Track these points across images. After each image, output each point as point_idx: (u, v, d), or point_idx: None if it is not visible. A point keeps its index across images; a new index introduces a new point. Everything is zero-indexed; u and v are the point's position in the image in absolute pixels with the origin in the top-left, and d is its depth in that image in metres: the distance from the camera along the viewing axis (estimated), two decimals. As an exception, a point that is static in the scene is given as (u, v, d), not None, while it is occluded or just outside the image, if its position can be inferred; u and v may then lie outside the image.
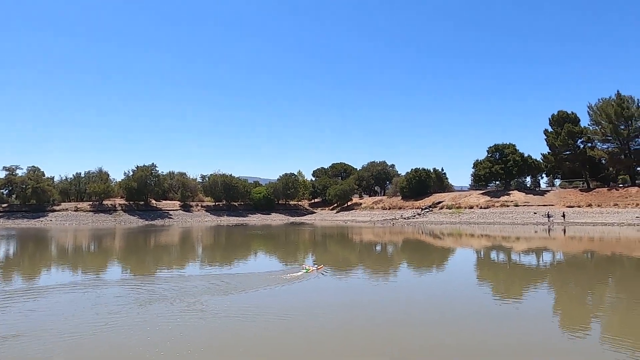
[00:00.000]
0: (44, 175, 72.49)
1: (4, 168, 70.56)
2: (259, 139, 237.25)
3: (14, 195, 70.81)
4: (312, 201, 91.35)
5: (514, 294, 11.56)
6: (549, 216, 50.63)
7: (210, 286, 11.82)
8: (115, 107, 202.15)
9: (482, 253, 23.47)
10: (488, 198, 63.02)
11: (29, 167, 71.75)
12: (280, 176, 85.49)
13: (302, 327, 8.09)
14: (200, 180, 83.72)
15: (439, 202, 66.82)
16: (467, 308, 9.61)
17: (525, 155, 66.34)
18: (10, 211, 65.89)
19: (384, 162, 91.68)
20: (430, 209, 65.69)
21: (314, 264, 15.74)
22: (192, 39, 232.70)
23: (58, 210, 67.63)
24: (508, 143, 67.91)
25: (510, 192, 64.01)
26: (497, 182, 72.19)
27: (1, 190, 70.93)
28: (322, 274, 13.90)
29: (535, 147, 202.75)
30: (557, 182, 75.68)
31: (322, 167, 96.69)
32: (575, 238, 31.95)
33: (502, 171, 65.48)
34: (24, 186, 67.74)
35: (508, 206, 58.53)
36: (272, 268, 16.13)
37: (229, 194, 79.54)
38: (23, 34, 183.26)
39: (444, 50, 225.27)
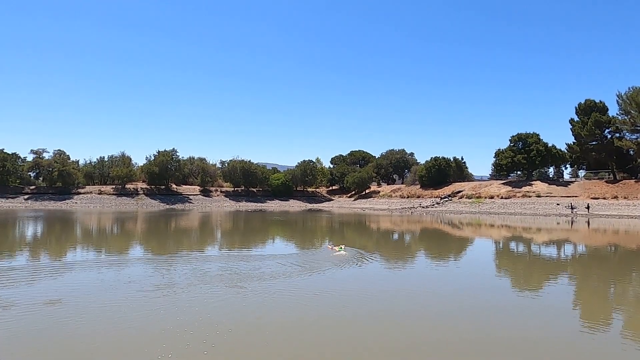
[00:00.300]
0: (69, 159, 74.55)
1: (32, 151, 72.87)
2: (278, 126, 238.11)
3: (41, 178, 73.12)
4: (330, 188, 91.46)
5: (534, 287, 11.45)
6: (572, 208, 49.53)
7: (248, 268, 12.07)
8: (138, 93, 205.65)
9: (501, 244, 23.20)
10: (509, 188, 61.95)
11: (55, 150, 73.92)
12: (298, 163, 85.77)
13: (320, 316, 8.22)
14: (220, 166, 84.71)
15: (459, 192, 66.07)
16: (485, 300, 9.59)
17: (549, 145, 64.68)
18: (38, 193, 68.10)
19: (403, 150, 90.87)
20: (450, 198, 65.01)
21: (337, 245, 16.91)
22: (213, 27, 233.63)
23: (83, 193, 69.59)
24: (532, 132, 66.30)
25: (533, 182, 62.73)
26: (518, 172, 70.79)
27: (29, 173, 73.31)
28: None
29: (559, 137, 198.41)
30: (582, 173, 73.67)
31: (341, 155, 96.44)
32: (599, 230, 31.23)
33: (524, 161, 64.10)
34: (51, 169, 69.83)
35: (530, 197, 57.45)
36: (294, 250, 16.34)
37: (247, 180, 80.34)
38: (50, 20, 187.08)
39: (468, 39, 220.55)
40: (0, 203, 60.73)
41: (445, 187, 69.82)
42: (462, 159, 78.23)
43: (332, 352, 6.20)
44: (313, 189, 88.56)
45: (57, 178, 69.33)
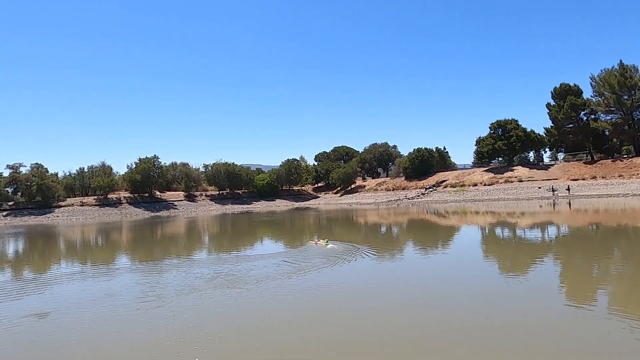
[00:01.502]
0: (47, 172, 72.73)
1: (8, 166, 70.81)
2: (260, 127, 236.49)
3: (19, 193, 71.20)
4: (316, 186, 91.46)
5: (520, 270, 11.64)
6: (553, 190, 50.56)
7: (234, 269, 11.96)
8: (115, 101, 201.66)
9: (487, 230, 23.55)
10: (492, 175, 62.91)
11: (33, 164, 71.95)
12: (282, 162, 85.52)
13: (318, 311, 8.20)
14: (203, 170, 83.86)
15: (443, 181, 66.79)
16: (473, 286, 9.71)
17: (528, 130, 65.90)
18: (17, 209, 66.36)
19: (386, 143, 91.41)
20: (434, 188, 65.68)
21: (323, 240, 17.62)
22: (187, 32, 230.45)
23: (64, 206, 68.07)
24: (510, 119, 67.42)
25: (514, 167, 63.83)
26: (500, 159, 71.96)
27: (6, 189, 71.26)
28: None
29: (537, 122, 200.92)
30: (561, 155, 75.35)
31: (324, 151, 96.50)
32: (581, 211, 31.95)
33: (505, 147, 65.15)
34: (29, 183, 68.07)
35: (512, 182, 58.45)
36: (282, 249, 16.27)
37: (232, 182, 79.76)
38: (22, 33, 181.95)
39: (444, 32, 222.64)
40: (-22, 221, 59.00)
41: (430, 178, 70.50)
42: (445, 148, 79.15)
43: (323, 350, 6.19)
44: (299, 188, 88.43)
45: (36, 192, 67.63)
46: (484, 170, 66.22)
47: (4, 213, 64.12)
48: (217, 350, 6.19)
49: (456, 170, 75.57)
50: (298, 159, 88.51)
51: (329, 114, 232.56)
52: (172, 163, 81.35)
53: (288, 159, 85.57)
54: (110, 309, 8.84)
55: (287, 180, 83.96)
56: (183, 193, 77.30)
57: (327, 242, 17.27)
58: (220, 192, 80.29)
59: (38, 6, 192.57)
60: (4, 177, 70.38)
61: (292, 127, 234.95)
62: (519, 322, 6.97)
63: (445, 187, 64.75)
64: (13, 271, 15.91)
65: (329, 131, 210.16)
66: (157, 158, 75.80)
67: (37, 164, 72.11)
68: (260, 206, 72.76)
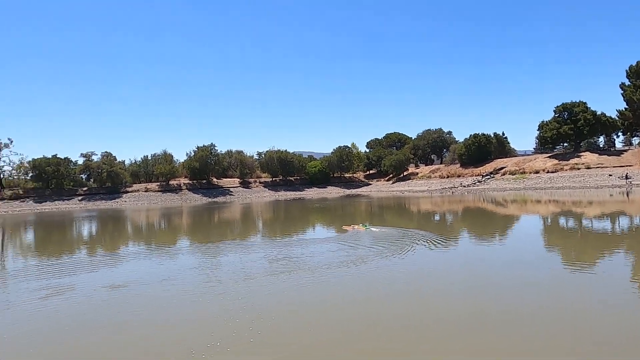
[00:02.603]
0: (116, 160, 78.14)
1: (82, 155, 76.87)
2: (311, 115, 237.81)
3: (92, 179, 77.20)
4: (367, 173, 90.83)
5: (586, 261, 10.93)
6: (626, 178, 46.66)
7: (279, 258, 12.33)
8: (175, 93, 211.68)
9: (549, 219, 22.25)
10: (556, 161, 59.12)
11: (103, 152, 77.62)
12: (334, 149, 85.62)
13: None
14: (257, 157, 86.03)
15: (501, 168, 63.81)
16: (535, 275, 9.27)
17: (598, 113, 60.94)
18: (90, 194, 72.03)
19: (440, 129, 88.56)
20: (492, 175, 62.95)
21: (362, 225, 18.47)
22: (240, 25, 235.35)
23: (130, 192, 72.93)
24: (578, 101, 62.65)
25: (581, 153, 59.54)
26: (565, 144, 67.39)
27: (81, 175, 77.52)
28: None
29: (609, 104, 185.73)
30: (636, 140, 69.07)
31: (376, 138, 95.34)
32: (658, 200, 29.27)
33: (571, 132, 60.81)
34: (100, 170, 73.51)
35: (579, 169, 54.63)
36: (333, 234, 16.45)
37: (285, 169, 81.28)
38: (92, 31, 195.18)
39: (500, 16, 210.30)
40: (57, 205, 64.81)
41: (487, 164, 67.61)
42: (504, 134, 75.40)
43: (374, 333, 6.22)
44: (350, 175, 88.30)
45: (106, 178, 72.98)
46: (547, 157, 62.35)
47: (79, 198, 69.87)
48: (271, 332, 6.43)
49: (516, 156, 71.83)
50: (349, 146, 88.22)
51: (381, 101, 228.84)
52: (227, 151, 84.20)
53: (339, 146, 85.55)
54: (171, 287, 9.44)
55: (338, 167, 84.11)
56: (238, 180, 79.97)
57: (366, 226, 17.33)
58: (273, 179, 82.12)
59: (108, 3, 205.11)
60: (79, 164, 76.48)
61: (344, 114, 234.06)
62: (583, 309, 6.59)
63: (504, 174, 61.81)
64: (88, 249, 17.38)
65: (381, 118, 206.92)
66: (214, 146, 78.86)
67: (106, 152, 77.69)
68: (311, 193, 73.62)
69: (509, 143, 76.11)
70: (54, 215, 45.64)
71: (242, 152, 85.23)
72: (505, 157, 69.76)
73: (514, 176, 59.64)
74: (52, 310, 8.15)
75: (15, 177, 73.20)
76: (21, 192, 68.43)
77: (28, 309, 8.25)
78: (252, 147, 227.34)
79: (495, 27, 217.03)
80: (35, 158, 71.48)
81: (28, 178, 73.02)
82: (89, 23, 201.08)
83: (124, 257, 14.88)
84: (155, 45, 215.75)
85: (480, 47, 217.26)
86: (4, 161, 72.03)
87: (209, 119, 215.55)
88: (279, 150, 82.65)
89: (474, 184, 61.39)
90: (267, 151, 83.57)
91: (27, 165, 71.58)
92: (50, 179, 70.48)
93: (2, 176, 71.15)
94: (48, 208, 61.48)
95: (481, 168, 67.18)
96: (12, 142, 71.82)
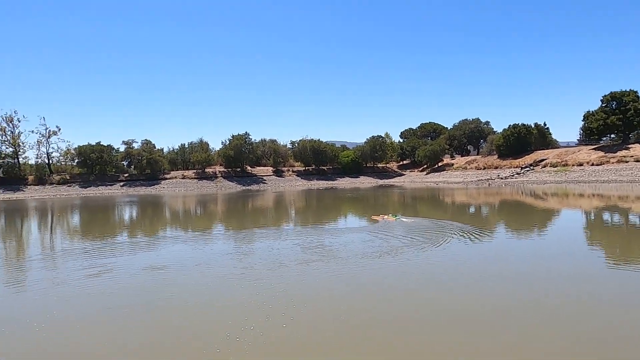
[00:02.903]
0: (155, 147, 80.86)
1: (123, 142, 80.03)
2: (345, 104, 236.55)
3: (132, 166, 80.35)
4: (401, 163, 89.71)
5: (630, 257, 10.41)
6: (679, 172, 43.81)
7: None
8: (210, 82, 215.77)
9: (592, 214, 21.28)
10: (601, 153, 56.23)
11: (143, 140, 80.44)
12: (367, 139, 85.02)
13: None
14: (290, 146, 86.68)
15: (542, 160, 61.39)
16: (577, 270, 8.93)
17: (651, 102, 57.25)
18: (131, 180, 75.01)
19: (478, 119, 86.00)
20: (532, 167, 60.71)
21: (392, 215, 18.96)
22: (274, 14, 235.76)
23: (168, 179, 75.40)
24: (628, 90, 59.07)
25: (630, 146, 56.26)
26: (612, 136, 63.89)
27: (122, 162, 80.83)
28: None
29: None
30: (692, 132, 64.48)
31: (410, 128, 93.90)
32: None
33: (619, 122, 57.50)
34: (140, 158, 76.34)
35: (627, 162, 51.71)
36: (365, 224, 16.44)
37: (317, 159, 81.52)
38: (133, 21, 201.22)
39: (542, 5, 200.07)
40: (101, 190, 67.97)
41: (526, 156, 65.21)
42: (545, 124, 72.25)
43: (404, 322, 6.22)
44: (383, 165, 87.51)
45: (145, 165, 75.73)
46: (592, 149, 59.37)
47: (121, 184, 72.93)
48: (303, 318, 6.55)
49: (558, 148, 68.82)
50: (383, 135, 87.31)
51: (415, 91, 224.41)
52: (261, 140, 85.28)
53: (373, 136, 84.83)
54: (206, 271, 9.76)
55: (371, 157, 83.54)
56: (271, 168, 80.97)
57: (396, 216, 17.23)
58: (306, 168, 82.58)
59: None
60: (120, 151, 79.71)
61: (378, 104, 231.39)
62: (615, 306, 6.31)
63: (545, 166, 59.44)
64: (129, 232, 18.18)
65: (416, 108, 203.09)
66: (248, 135, 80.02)
67: (146, 140, 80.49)
68: (344, 182, 73.57)
69: (550, 134, 73.00)
70: (98, 199, 47.90)
71: (275, 141, 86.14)
72: (547, 149, 66.99)
73: (555, 168, 57.26)
74: (94, 289, 8.63)
75: (62, 163, 77.35)
76: (68, 178, 72.21)
77: (73, 287, 8.79)
78: (286, 136, 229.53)
79: (538, 15, 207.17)
80: (81, 145, 75.15)
81: (74, 164, 76.96)
82: (133, 13, 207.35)
83: (161, 241, 15.47)
84: (190, 34, 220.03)
85: (521, 35, 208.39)
86: (53, 148, 76.26)
87: (244, 108, 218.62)
88: (312, 139, 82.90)
89: (512, 176, 59.42)
90: (300, 140, 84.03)
91: (74, 151, 75.39)
92: (94, 165, 73.97)
93: (51, 162, 75.25)
94: (92, 193, 64.57)
95: (520, 160, 64.89)
96: (60, 129, 75.71)
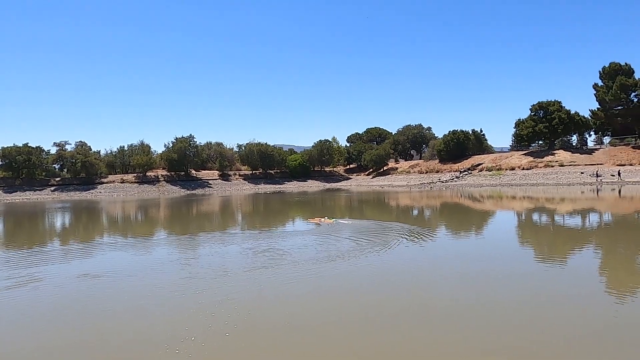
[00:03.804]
0: (91, 150, 76.13)
1: (55, 144, 74.63)
2: (293, 108, 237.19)
3: (65, 170, 75.03)
4: (348, 167, 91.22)
5: (558, 255, 11.23)
6: (597, 175, 48.22)
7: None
8: (153, 83, 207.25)
9: (523, 215, 22.81)
10: (531, 159, 60.63)
11: (77, 142, 75.50)
12: (314, 143, 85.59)
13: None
14: (237, 150, 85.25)
15: (479, 164, 65.04)
16: (508, 269, 9.47)
17: (572, 112, 62.71)
18: (63, 184, 70.01)
19: (420, 125, 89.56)
20: (469, 171, 64.09)
21: (329, 217, 19.53)
22: (221, 19, 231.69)
23: (106, 183, 71.24)
24: (553, 100, 64.29)
25: (555, 151, 61.17)
26: (540, 142, 69.13)
27: (54, 165, 75.23)
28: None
29: (582, 104, 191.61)
30: (607, 140, 71.37)
31: (357, 133, 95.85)
32: (626, 198, 30.36)
33: (546, 130, 62.39)
34: (74, 160, 71.51)
35: (553, 166, 56.15)
36: (312, 227, 16.43)
37: (265, 162, 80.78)
38: (66, 20, 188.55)
39: (478, 15, 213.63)
40: (28, 195, 62.80)
41: (465, 161, 68.77)
42: (481, 131, 76.75)
43: (351, 328, 6.24)
44: (330, 169, 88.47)
45: (80, 169, 71.03)
46: (523, 154, 63.85)
47: (52, 188, 67.83)
48: (247, 327, 6.36)
49: (493, 153, 73.29)
50: (330, 140, 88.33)
51: (362, 96, 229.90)
52: (207, 142, 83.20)
53: (320, 140, 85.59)
54: (145, 279, 9.24)
55: (319, 161, 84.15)
56: (217, 172, 79.09)
57: (333, 219, 18.35)
58: (253, 171, 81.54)
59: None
60: (52, 154, 74.20)
61: (325, 108, 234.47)
62: (553, 297, 6.77)
63: (481, 170, 63.02)
64: (61, 240, 16.87)
65: (362, 113, 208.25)
66: (193, 137, 77.72)
67: (81, 142, 75.63)
68: (292, 186, 73.45)
69: (486, 140, 77.61)
70: (25, 205, 44.19)
71: (221, 144, 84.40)
72: (483, 154, 71.08)
73: (490, 172, 60.84)
74: (16, 300, 7.88)
75: (-17, 166, 70.60)
76: (-10, 182, 66.00)
77: (-6, 303, 7.96)
78: (232, 139, 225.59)
79: (475, 26, 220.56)
80: (5, 147, 69.07)
81: (-3, 167, 70.53)
82: (65, 12, 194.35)
83: (96, 248, 14.49)
84: (134, 34, 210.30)
85: (460, 44, 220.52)
86: (-28, 149, 69.18)
87: (188, 110, 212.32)
88: (259, 143, 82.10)
89: (452, 179, 62.36)
90: (247, 144, 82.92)
91: (-4, 153, 69.07)
92: (21, 168, 68.20)
93: (-31, 165, 68.44)
94: (18, 198, 59.53)
95: (459, 164, 68.26)
96: (-20, 129, 69.03)
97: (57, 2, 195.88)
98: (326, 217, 19.03)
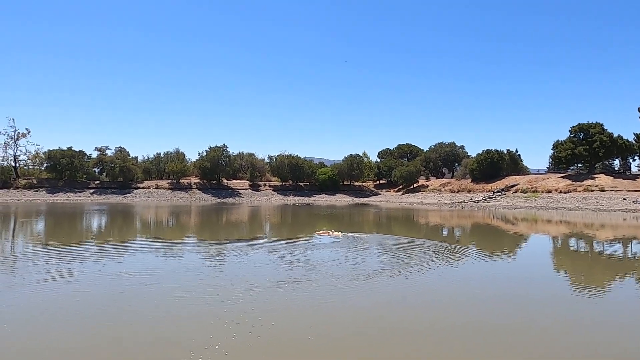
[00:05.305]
0: (129, 155, 79.12)
1: (96, 148, 78.06)
2: (324, 121, 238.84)
3: (104, 173, 78.18)
4: (377, 182, 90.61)
5: (594, 283, 10.70)
6: (641, 203, 45.80)
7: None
8: (191, 93, 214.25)
9: (559, 240, 21.90)
10: (569, 182, 58.34)
11: (117, 147, 78.71)
12: (345, 157, 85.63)
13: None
14: (268, 161, 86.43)
15: (513, 186, 63.16)
16: (542, 293, 9.09)
17: (615, 135, 60.17)
18: (102, 187, 72.90)
19: (453, 142, 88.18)
20: (503, 192, 62.33)
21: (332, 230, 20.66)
22: (260, 31, 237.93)
23: (141, 188, 73.65)
24: (595, 122, 61.94)
25: (596, 175, 58.63)
26: (579, 165, 66.58)
27: (94, 169, 78.57)
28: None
29: (627, 127, 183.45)
30: (653, 165, 67.89)
31: (388, 148, 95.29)
32: (673, 228, 28.62)
33: (586, 153, 60.04)
34: (113, 165, 74.45)
35: (592, 191, 53.78)
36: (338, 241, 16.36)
37: (295, 174, 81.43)
38: (107, 29, 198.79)
39: (520, 35, 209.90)
40: (69, 196, 65.69)
41: (498, 181, 67.00)
42: (517, 151, 74.74)
43: (379, 346, 6.14)
44: (360, 183, 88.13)
45: (118, 173, 73.83)
46: (560, 177, 61.58)
47: (91, 191, 70.75)
48: (271, 338, 6.38)
49: (528, 175, 71.10)
50: (361, 154, 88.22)
51: (395, 112, 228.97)
52: (239, 152, 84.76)
53: (351, 154, 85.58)
54: (175, 282, 9.44)
55: (348, 176, 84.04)
56: (248, 182, 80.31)
57: (342, 232, 19.47)
58: (283, 183, 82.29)
59: (130, 1, 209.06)
60: (92, 158, 77.55)
61: (357, 123, 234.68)
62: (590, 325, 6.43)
63: (516, 192, 61.15)
64: (96, 240, 17.53)
65: (394, 128, 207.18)
66: (226, 147, 79.44)
67: (120, 147, 78.78)
68: (320, 199, 73.55)
69: (522, 161, 75.47)
70: (66, 206, 46.23)
71: (253, 154, 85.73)
72: (518, 175, 69.05)
73: (525, 194, 58.94)
74: (52, 292, 8.25)
75: (30, 166, 74.61)
76: (35, 182, 69.59)
77: (29, 291, 8.36)
78: (264, 150, 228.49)
79: (515, 45, 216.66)
80: (51, 149, 72.75)
81: (42, 168, 74.37)
82: (110, 18, 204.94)
83: (129, 250, 14.96)
84: (173, 45, 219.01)
85: (497, 64, 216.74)
86: (21, 150, 73.53)
87: (223, 120, 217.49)
88: (290, 154, 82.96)
89: (485, 200, 60.79)
90: (278, 155, 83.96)
91: (43, 155, 72.93)
92: (64, 170, 71.63)
93: (17, 165, 72.47)
94: (60, 199, 62.34)
95: (492, 184, 66.55)
96: (29, 132, 73.38)
97: (104, 9, 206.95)
98: (333, 230, 20.08)
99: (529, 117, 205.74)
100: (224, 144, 79.35)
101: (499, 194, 62.22)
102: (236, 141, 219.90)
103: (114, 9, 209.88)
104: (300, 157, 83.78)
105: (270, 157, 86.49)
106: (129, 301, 8.21)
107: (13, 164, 71.85)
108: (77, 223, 27.86)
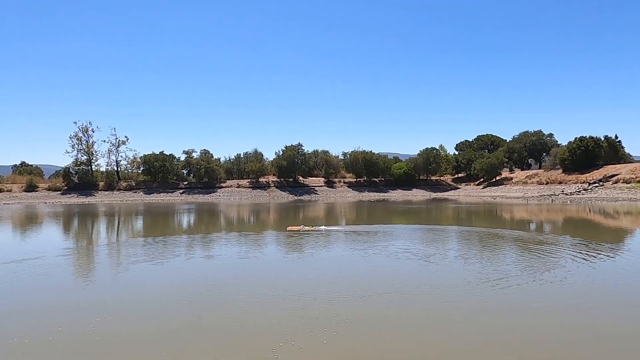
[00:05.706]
0: (212, 157, 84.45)
1: (184, 152, 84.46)
2: (398, 114, 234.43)
3: (191, 175, 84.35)
4: (456, 176, 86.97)
5: None
6: None
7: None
8: (267, 97, 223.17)
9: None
10: (684, 169, 51.08)
11: (202, 149, 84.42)
12: (420, 151, 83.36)
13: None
14: (342, 157, 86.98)
15: (613, 176, 56.88)
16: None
17: None
18: (189, 188, 78.70)
19: (540, 131, 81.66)
20: (601, 183, 56.42)
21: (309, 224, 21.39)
22: (334, 38, 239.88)
23: (224, 187, 78.26)
24: None
25: None
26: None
27: (182, 170, 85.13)
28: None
29: None
30: None
31: (466, 140, 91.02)
32: None
33: None
34: (199, 167, 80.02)
35: None
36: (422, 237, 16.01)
37: (369, 170, 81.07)
38: (192, 46, 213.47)
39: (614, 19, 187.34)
40: (162, 196, 71.87)
41: (595, 171, 60.74)
42: (617, 137, 67.03)
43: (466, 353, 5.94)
44: (437, 177, 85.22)
45: (203, 174, 79.22)
46: (673, 164, 54.11)
47: (180, 191, 76.71)
48: (346, 336, 6.44)
49: (632, 163, 63.44)
50: (437, 147, 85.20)
51: (473, 100, 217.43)
52: (314, 150, 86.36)
53: (426, 148, 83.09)
54: (256, 273, 9.92)
55: (424, 170, 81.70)
56: (323, 179, 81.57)
57: (313, 226, 20.09)
58: (358, 179, 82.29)
59: (215, 16, 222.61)
60: (181, 160, 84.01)
61: (432, 115, 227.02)
62: None
63: (616, 182, 55.01)
64: (188, 234, 19.01)
65: (473, 118, 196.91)
66: (301, 146, 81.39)
67: (205, 149, 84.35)
68: (396, 195, 72.40)
69: (623, 148, 67.55)
70: (159, 206, 50.65)
71: (327, 152, 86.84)
72: (618, 164, 61.97)
73: (628, 185, 52.75)
74: (144, 272, 9.12)
75: (129, 170, 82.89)
76: (134, 184, 77.19)
77: (133, 275, 9.34)
78: (338, 147, 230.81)
79: (606, 30, 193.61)
80: (146, 154, 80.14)
81: (139, 172, 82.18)
82: (199, 35, 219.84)
83: (216, 244, 15.99)
84: (250, 55, 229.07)
85: (585, 34, 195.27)
86: (122, 156, 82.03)
87: (298, 119, 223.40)
88: (364, 150, 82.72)
89: (579, 192, 55.49)
90: (352, 151, 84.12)
91: (139, 160, 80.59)
92: (157, 173, 78.55)
93: (119, 169, 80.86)
94: (155, 199, 68.41)
95: (587, 175, 60.54)
96: (128, 139, 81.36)
97: (189, 23, 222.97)
98: (302, 225, 20.82)
99: (632, 99, 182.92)
100: (299, 143, 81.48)
101: (596, 185, 56.40)
102: (311, 139, 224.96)
103: (198, 26, 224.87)
104: (374, 153, 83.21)
105: (344, 154, 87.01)
106: (211, 293, 8.81)
107: (116, 169, 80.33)
108: (169, 220, 30.36)
